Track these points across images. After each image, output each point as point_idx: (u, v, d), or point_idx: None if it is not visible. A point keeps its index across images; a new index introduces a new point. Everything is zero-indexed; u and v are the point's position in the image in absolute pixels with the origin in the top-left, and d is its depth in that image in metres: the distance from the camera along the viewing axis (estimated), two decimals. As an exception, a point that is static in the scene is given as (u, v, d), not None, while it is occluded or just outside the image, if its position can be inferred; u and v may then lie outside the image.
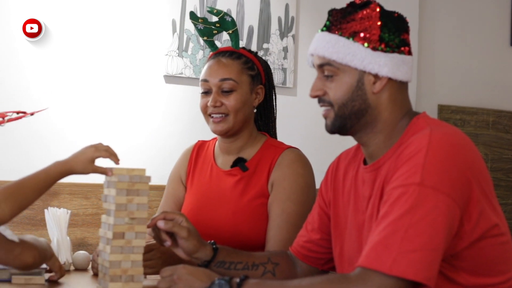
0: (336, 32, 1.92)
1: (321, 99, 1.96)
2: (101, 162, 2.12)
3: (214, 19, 2.65)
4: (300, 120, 4.16)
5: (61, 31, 3.69)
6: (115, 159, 2.10)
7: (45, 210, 2.59)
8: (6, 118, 2.20)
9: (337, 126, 1.94)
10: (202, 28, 2.61)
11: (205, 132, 3.32)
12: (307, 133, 4.14)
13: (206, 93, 2.56)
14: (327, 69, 1.94)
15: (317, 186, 2.53)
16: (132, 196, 2.00)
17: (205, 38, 2.63)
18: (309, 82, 4.20)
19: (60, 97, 3.70)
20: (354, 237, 1.98)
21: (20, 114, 2.25)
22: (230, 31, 2.59)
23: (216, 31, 2.62)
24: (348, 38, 1.90)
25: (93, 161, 2.08)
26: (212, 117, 2.54)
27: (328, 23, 1.95)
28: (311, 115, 4.17)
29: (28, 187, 1.93)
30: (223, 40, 3.97)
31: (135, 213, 2.01)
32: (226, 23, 2.59)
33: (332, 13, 1.97)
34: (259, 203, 2.48)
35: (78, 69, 3.73)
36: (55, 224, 2.54)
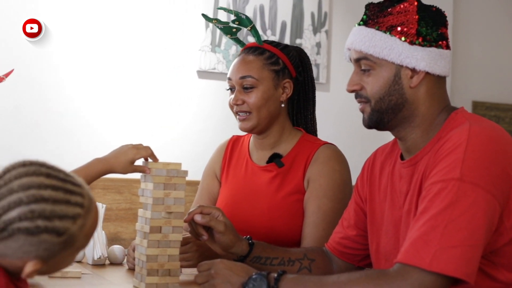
0: (373, 26, 1.91)
1: (358, 94, 1.95)
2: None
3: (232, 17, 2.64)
4: (333, 116, 4.15)
5: (82, 29, 3.69)
6: (155, 158, 2.11)
7: (81, 205, 2.60)
8: None
9: (374, 121, 1.92)
10: (222, 27, 2.61)
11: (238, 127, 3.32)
12: (340, 128, 4.13)
13: (232, 90, 2.56)
14: (364, 63, 1.93)
15: (352, 182, 2.53)
16: (169, 190, 2.01)
17: (228, 36, 2.63)
18: (342, 77, 4.21)
19: (92, 95, 3.71)
20: (391, 233, 1.96)
21: None
22: (249, 28, 2.58)
23: (235, 29, 2.61)
24: (385, 32, 1.89)
25: (133, 162, 2.10)
26: (238, 114, 2.54)
27: (365, 17, 1.94)
28: (344, 110, 4.15)
29: None
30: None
31: (172, 208, 2.01)
32: (242, 20, 2.58)
33: (369, 7, 1.95)
34: (294, 199, 2.47)
35: (109, 65, 3.74)
36: (91, 218, 2.54)
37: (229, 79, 2.55)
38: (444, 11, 1.96)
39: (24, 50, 3.61)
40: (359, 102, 1.96)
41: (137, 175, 3.63)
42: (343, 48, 4.33)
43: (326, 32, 4.18)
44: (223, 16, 3.81)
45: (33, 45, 3.61)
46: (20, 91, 3.59)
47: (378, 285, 1.68)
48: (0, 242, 1.33)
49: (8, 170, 1.36)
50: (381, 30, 1.89)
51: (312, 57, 4.11)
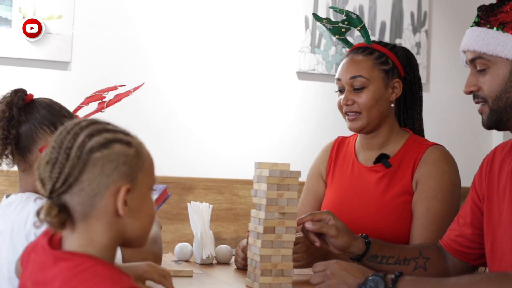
0: (485, 25, 1.91)
1: (476, 95, 1.94)
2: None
3: (341, 17, 2.63)
4: (433, 116, 4.10)
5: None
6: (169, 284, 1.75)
7: (188, 204, 2.63)
8: (106, 101, 2.19)
9: (494, 121, 1.90)
10: (331, 27, 2.60)
11: (337, 129, 3.31)
12: (441, 129, 4.07)
13: (341, 91, 2.55)
14: (478, 62, 1.92)
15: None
16: (282, 191, 2.01)
17: (337, 36, 2.62)
18: (443, 77, 4.16)
19: (191, 97, 3.76)
20: (510, 233, 1.92)
21: (120, 92, 2.23)
22: (359, 28, 2.56)
23: (344, 29, 2.60)
24: (497, 29, 1.88)
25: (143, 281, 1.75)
26: (348, 115, 2.52)
27: (477, 19, 1.95)
28: (445, 111, 4.09)
29: None
30: (355, 36, 3.94)
31: (285, 208, 2.02)
32: (352, 20, 2.57)
33: (481, 8, 1.96)
34: (403, 200, 2.45)
35: (210, 67, 3.78)
36: (199, 218, 2.57)
37: (338, 80, 2.54)
38: None
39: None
40: (477, 103, 1.94)
41: (238, 175, 3.66)
42: (444, 48, 4.29)
43: (426, 32, 4.13)
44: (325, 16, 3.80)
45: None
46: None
47: (500, 288, 1.65)
48: (83, 171, 1.34)
49: (56, 134, 1.40)
50: (493, 28, 1.89)
51: (412, 57, 4.07)
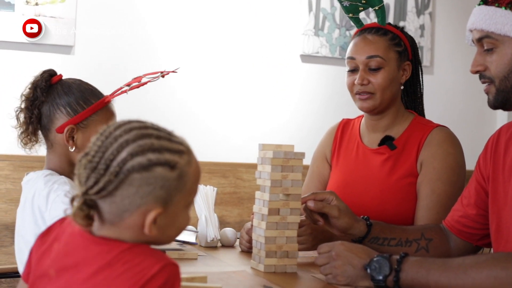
0: (493, 4, 1.89)
1: (482, 75, 1.92)
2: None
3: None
4: (437, 99, 4.09)
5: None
6: None
7: (193, 187, 2.62)
8: (139, 83, 2.19)
9: (500, 101, 1.89)
10: (347, 5, 2.57)
11: (341, 111, 3.30)
12: (445, 111, 4.06)
13: (353, 71, 2.52)
14: (486, 42, 1.90)
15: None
16: (286, 172, 2.01)
17: (350, 15, 2.60)
18: (447, 60, 4.15)
19: (195, 80, 3.75)
20: None
21: (153, 76, 2.25)
22: (377, 7, 2.54)
23: (362, 8, 2.57)
24: (505, 8, 1.86)
25: None
26: (360, 94, 2.50)
27: None
28: (448, 93, 4.08)
29: None
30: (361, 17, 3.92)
31: (289, 190, 2.02)
32: None
33: None
34: (407, 182, 2.44)
35: (213, 50, 3.77)
36: (203, 201, 2.57)
37: (351, 58, 2.51)
38: None
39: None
40: (483, 83, 1.93)
41: (242, 159, 3.66)
42: (447, 30, 4.27)
43: (430, 14, 4.11)
44: None
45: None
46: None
47: (505, 268, 1.64)
48: (118, 188, 1.31)
49: (106, 129, 1.36)
50: (501, 7, 1.87)
51: (415, 39, 4.04)
